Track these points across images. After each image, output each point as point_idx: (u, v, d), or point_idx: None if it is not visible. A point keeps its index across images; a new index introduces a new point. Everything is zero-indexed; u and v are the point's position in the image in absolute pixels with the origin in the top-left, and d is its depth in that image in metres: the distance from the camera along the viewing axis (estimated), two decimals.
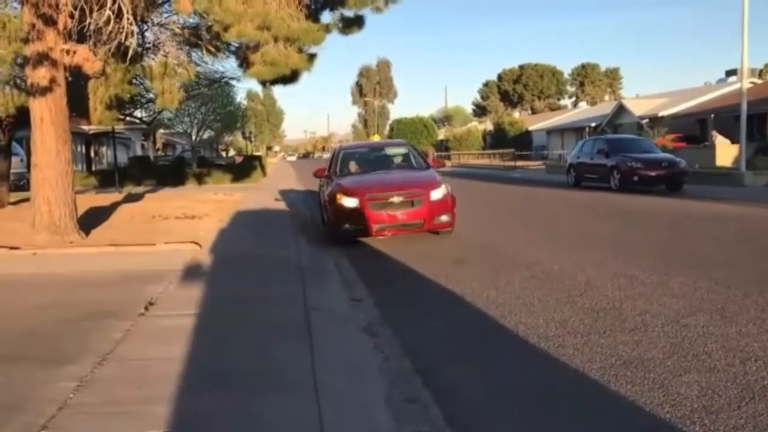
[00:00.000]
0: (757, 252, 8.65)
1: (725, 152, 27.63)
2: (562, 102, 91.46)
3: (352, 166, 12.18)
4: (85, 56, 10.59)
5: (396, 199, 10.16)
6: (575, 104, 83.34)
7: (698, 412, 3.74)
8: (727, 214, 13.39)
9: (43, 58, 10.44)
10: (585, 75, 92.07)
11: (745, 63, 22.07)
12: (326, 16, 13.16)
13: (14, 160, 19.30)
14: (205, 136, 58.26)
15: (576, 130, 50.76)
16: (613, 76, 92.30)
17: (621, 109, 44.64)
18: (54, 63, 10.58)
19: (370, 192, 10.28)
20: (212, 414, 3.86)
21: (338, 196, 10.39)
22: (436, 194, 10.45)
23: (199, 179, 32.65)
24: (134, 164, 36.62)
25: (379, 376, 4.60)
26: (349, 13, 12.86)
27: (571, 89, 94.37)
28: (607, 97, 79.07)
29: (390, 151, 13.29)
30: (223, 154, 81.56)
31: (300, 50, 12.08)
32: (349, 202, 10.20)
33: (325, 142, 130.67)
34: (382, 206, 10.13)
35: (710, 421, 3.63)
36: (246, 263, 8.85)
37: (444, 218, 10.47)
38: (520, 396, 4.18)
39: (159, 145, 62.85)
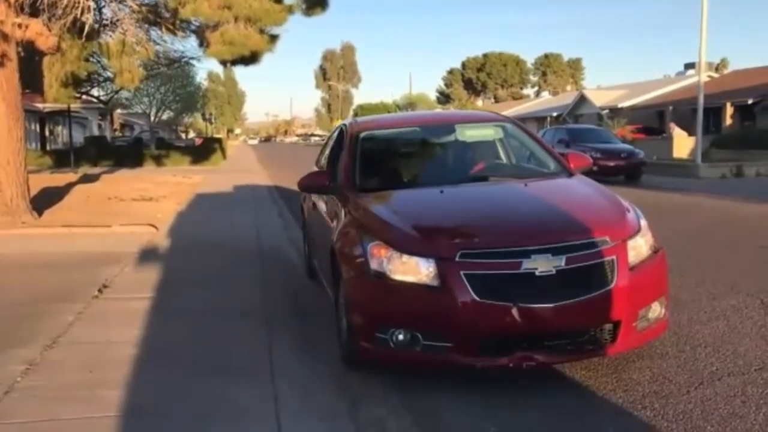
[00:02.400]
0: (712, 242, 8.86)
1: (682, 144, 28.19)
2: (525, 91, 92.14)
3: (391, 169, 5.66)
4: (38, 31, 10.28)
5: (543, 265, 3.83)
6: (538, 94, 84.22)
7: (649, 397, 3.81)
8: (683, 204, 13.68)
9: None
10: (548, 65, 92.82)
11: (703, 57, 22.47)
12: None
13: None
14: (165, 117, 57.43)
15: (538, 119, 51.23)
16: (575, 67, 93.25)
17: (582, 100, 45.20)
18: (5, 37, 10.24)
19: (469, 240, 4.09)
20: (164, 397, 3.80)
21: (375, 250, 4.10)
22: (638, 248, 4.20)
23: (158, 161, 32.08)
24: (90, 144, 35.78)
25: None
26: None
27: (534, 79, 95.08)
28: (569, 88, 79.96)
29: (470, 132, 6.14)
30: (183, 135, 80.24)
31: (261, 31, 11.90)
32: (412, 269, 3.97)
33: (288, 126, 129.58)
34: (503, 285, 3.83)
35: (660, 405, 3.70)
36: (203, 247, 8.72)
37: (657, 310, 4.23)
38: None
39: (116, 125, 61.55)
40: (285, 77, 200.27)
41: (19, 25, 10.34)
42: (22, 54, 11.40)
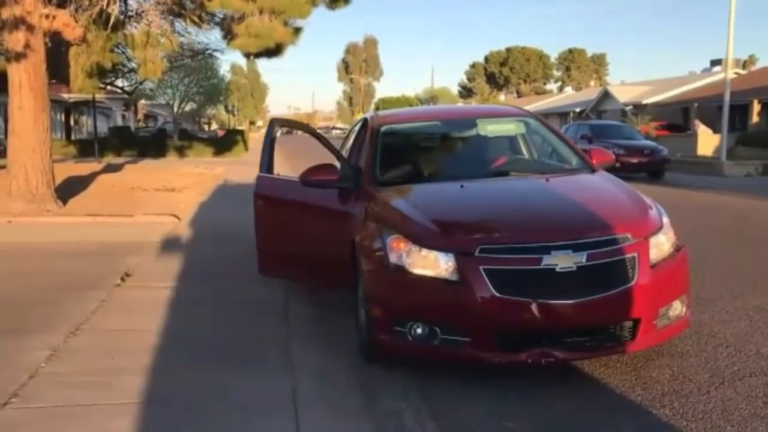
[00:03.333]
0: (735, 240, 8.75)
1: (707, 141, 27.84)
2: (548, 86, 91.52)
3: (412, 163, 5.56)
4: (65, 22, 10.41)
5: (563, 261, 3.82)
6: (561, 89, 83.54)
7: (669, 396, 3.79)
8: (707, 202, 13.52)
9: (20, 23, 10.22)
10: (572, 60, 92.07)
11: (731, 53, 22.17)
12: None
13: None
14: (188, 108, 57.84)
15: (561, 115, 50.86)
16: (599, 62, 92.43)
17: (606, 96, 44.79)
18: (32, 28, 10.36)
19: (489, 235, 4.08)
20: (183, 385, 3.84)
21: (395, 244, 4.10)
22: (659, 246, 4.16)
23: (181, 152, 32.33)
24: (114, 134, 36.21)
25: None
26: None
27: (557, 74, 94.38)
28: (592, 83, 79.25)
29: (491, 127, 6.05)
30: (206, 127, 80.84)
31: (285, 23, 11.94)
32: (431, 263, 3.96)
33: (309, 119, 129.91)
34: (522, 281, 3.83)
35: (680, 404, 3.68)
36: (225, 237, 8.78)
37: (677, 309, 4.19)
38: None
39: (140, 116, 62.09)
40: (307, 70, 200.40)
41: (47, 16, 10.49)
42: (49, 45, 11.54)
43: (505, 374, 4.07)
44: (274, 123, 6.07)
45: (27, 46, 10.31)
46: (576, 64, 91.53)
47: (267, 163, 5.81)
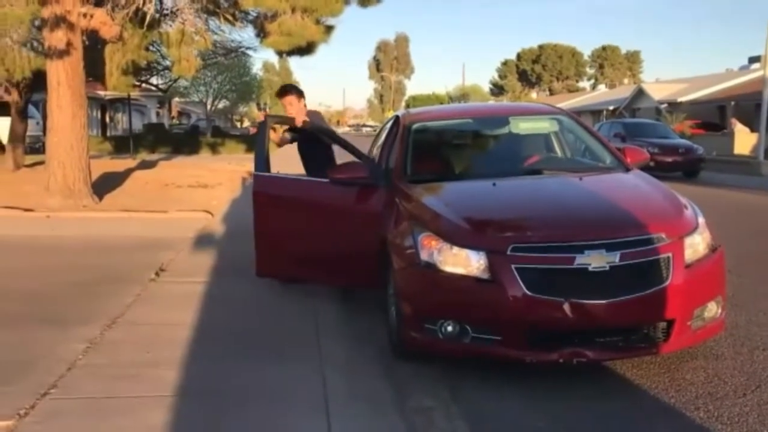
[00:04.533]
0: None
1: (744, 140, 27.29)
2: (581, 84, 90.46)
3: (443, 161, 5.74)
4: (102, 20, 10.59)
5: (596, 261, 3.79)
6: (594, 87, 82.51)
7: (703, 398, 3.74)
8: (743, 202, 13.28)
9: (60, 21, 10.42)
10: (605, 57, 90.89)
11: None
12: None
13: (30, 122, 19.34)
14: (220, 105, 58.28)
15: (593, 112, 50.28)
16: (633, 60, 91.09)
17: (640, 93, 44.14)
18: (71, 26, 10.56)
19: (521, 233, 4.07)
20: (216, 378, 3.90)
21: (426, 242, 4.11)
22: (694, 246, 4.10)
23: (213, 149, 32.67)
24: (149, 131, 36.75)
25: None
26: None
27: (590, 71, 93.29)
28: (626, 81, 78.22)
29: (524, 125, 5.98)
30: (238, 124, 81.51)
31: (317, 21, 11.99)
32: (463, 261, 3.96)
33: (340, 116, 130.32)
34: (555, 280, 3.82)
35: (715, 407, 3.63)
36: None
37: (713, 310, 4.12)
38: None
39: (174, 113, 62.91)
40: (338, 67, 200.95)
41: (85, 15, 10.68)
42: (86, 43, 11.75)
43: (536, 373, 4.06)
44: (267, 121, 5.99)
45: (66, 44, 10.52)
46: (610, 61, 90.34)
47: (263, 161, 5.55)
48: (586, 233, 3.93)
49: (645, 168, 5.47)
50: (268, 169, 5.57)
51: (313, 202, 5.44)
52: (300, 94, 6.45)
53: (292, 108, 6.36)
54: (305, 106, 6.62)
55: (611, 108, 47.42)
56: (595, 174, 5.13)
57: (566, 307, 3.71)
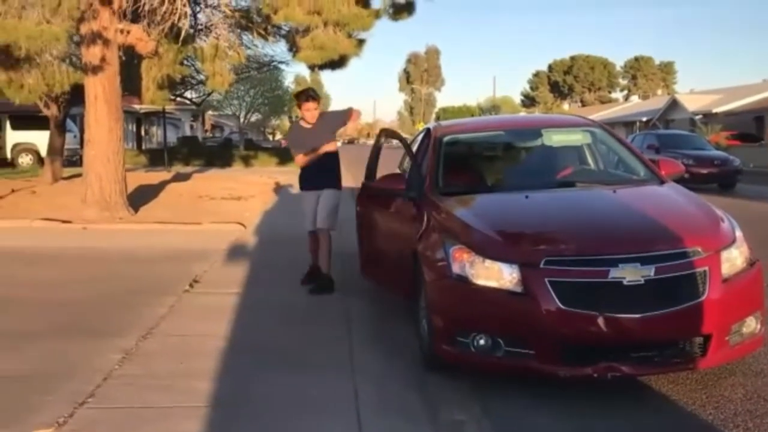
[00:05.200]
0: None
1: None
2: (614, 95, 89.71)
3: (475, 173, 5.73)
4: (138, 36, 10.81)
5: (631, 275, 3.73)
6: (626, 98, 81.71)
7: (742, 416, 3.66)
8: None
9: (97, 37, 10.67)
10: (638, 68, 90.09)
11: None
12: (377, 2, 13.11)
13: (68, 136, 19.79)
14: (253, 119, 58.98)
15: (626, 124, 49.78)
16: (667, 70, 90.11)
17: (674, 104, 43.61)
18: (108, 42, 10.80)
19: (554, 246, 4.05)
20: (249, 390, 3.93)
21: (458, 254, 4.08)
22: (732, 260, 4.03)
23: (246, 161, 32.98)
24: (183, 144, 37.32)
25: None
26: None
27: (623, 82, 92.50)
28: (660, 92, 77.35)
29: (556, 137, 5.93)
30: (270, 137, 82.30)
31: (349, 35, 12.07)
32: (495, 274, 3.93)
33: (370, 128, 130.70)
34: (589, 293, 3.76)
35: (754, 425, 3.55)
36: (288, 245, 8.92)
37: (752, 325, 4.02)
38: None
39: (207, 126, 63.75)
40: (369, 80, 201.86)
41: (121, 31, 10.92)
42: (123, 58, 12.00)
43: (569, 388, 4.01)
44: (382, 134, 6.74)
45: (103, 59, 10.75)
46: (643, 72, 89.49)
47: (371, 171, 6.37)
48: (620, 246, 3.88)
49: (680, 180, 5.40)
50: (372, 178, 6.25)
51: (385, 211, 5.87)
52: (319, 100, 6.55)
53: (310, 114, 6.37)
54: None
55: (644, 119, 46.93)
56: (629, 186, 5.09)
57: (600, 321, 3.67)
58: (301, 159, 6.49)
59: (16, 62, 12.21)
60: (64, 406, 3.63)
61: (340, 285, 6.35)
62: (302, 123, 6.55)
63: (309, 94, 6.43)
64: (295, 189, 17.77)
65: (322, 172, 6.45)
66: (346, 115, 6.61)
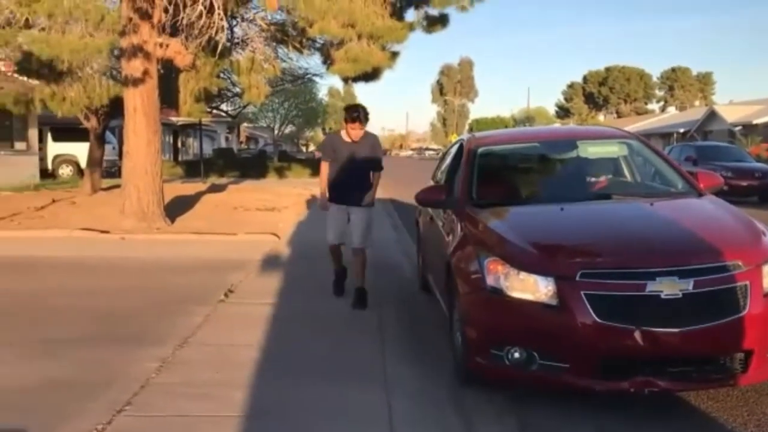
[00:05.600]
0: None
1: None
2: (650, 106, 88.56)
3: (510, 185, 5.64)
4: (177, 50, 11.02)
5: (668, 288, 3.67)
6: (663, 109, 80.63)
7: None
8: None
9: (137, 51, 10.91)
10: (675, 79, 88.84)
11: None
12: (410, 14, 13.18)
13: (107, 147, 20.22)
14: (287, 130, 59.63)
15: (663, 135, 49.10)
16: (705, 81, 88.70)
17: (712, 116, 42.89)
18: (147, 55, 11.04)
19: (590, 259, 4.01)
20: (283, 400, 3.95)
21: (492, 266, 4.04)
22: None
23: (280, 173, 33.27)
24: (218, 156, 37.77)
25: None
26: (433, 11, 12.83)
27: (659, 93, 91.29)
28: (697, 103, 76.10)
29: (592, 149, 5.86)
30: (304, 149, 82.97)
31: (383, 48, 12.15)
32: (530, 286, 3.89)
33: (403, 140, 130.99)
34: (625, 307, 3.70)
35: None
36: (321, 256, 8.95)
37: None
38: None
39: (242, 138, 64.52)
40: (401, 91, 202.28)
41: (161, 45, 11.15)
42: (161, 71, 12.24)
43: (605, 402, 3.95)
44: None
45: (143, 72, 10.98)
46: (680, 83, 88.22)
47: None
48: (657, 260, 3.81)
49: (719, 193, 5.30)
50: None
51: (430, 222, 6.17)
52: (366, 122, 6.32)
53: (355, 133, 6.18)
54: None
55: (681, 131, 46.22)
56: (667, 199, 5.03)
57: (637, 335, 3.60)
58: (325, 168, 6.40)
59: (59, 76, 12.58)
60: (102, 413, 3.69)
61: (374, 296, 6.35)
62: (343, 135, 6.31)
63: (359, 117, 6.14)
64: None
65: (354, 188, 6.27)
66: (379, 162, 6.45)
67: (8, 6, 9.03)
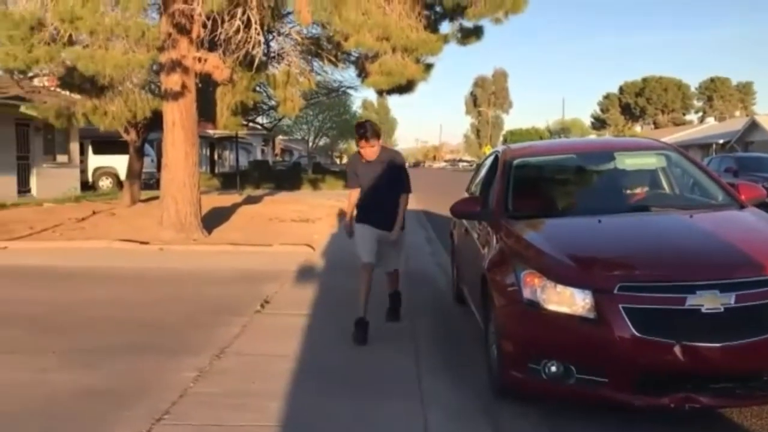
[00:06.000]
0: None
1: None
2: (688, 117, 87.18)
3: (546, 197, 5.62)
4: (215, 64, 11.20)
5: (709, 302, 3.59)
6: (702, 120, 79.29)
7: None
8: None
9: (176, 65, 11.12)
10: (714, 89, 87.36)
11: None
12: (445, 27, 13.19)
13: (146, 160, 20.60)
14: (321, 143, 60.07)
15: (702, 146, 48.25)
16: (745, 91, 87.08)
17: (753, 126, 42.02)
18: (186, 70, 11.24)
19: (629, 272, 3.92)
20: (319, 412, 3.97)
21: (529, 279, 4.00)
22: None
23: (314, 185, 33.49)
24: (254, 168, 38.22)
25: None
26: (468, 23, 12.82)
27: (698, 104, 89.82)
28: (737, 113, 74.62)
29: (630, 160, 5.85)
30: (337, 160, 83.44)
31: (417, 60, 12.17)
32: (567, 300, 3.83)
33: (436, 151, 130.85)
34: (665, 321, 3.64)
35: None
36: (355, 267, 8.98)
37: None
38: None
39: (277, 150, 65.20)
40: (435, 103, 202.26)
41: (199, 59, 11.34)
42: (199, 85, 12.45)
43: (643, 419, 3.88)
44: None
45: (181, 87, 11.19)
46: (719, 93, 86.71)
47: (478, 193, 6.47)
48: (697, 273, 3.73)
49: (761, 205, 5.19)
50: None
51: (465, 234, 6.15)
52: (377, 138, 5.77)
53: (365, 152, 5.72)
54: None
55: (721, 142, 45.35)
56: (707, 211, 4.95)
57: (677, 349, 3.52)
58: (353, 196, 5.94)
59: (101, 90, 12.87)
60: (141, 422, 3.75)
61: (409, 308, 6.34)
62: (362, 155, 5.81)
63: (365, 133, 5.66)
64: None
65: (380, 212, 5.73)
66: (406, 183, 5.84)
67: (53, 22, 9.27)
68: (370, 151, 5.68)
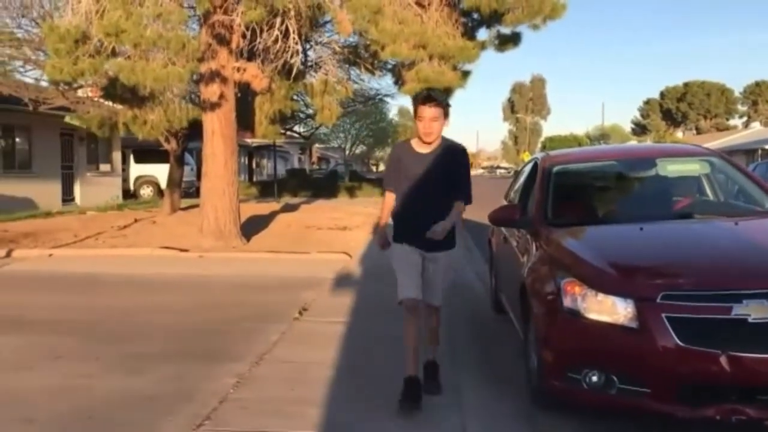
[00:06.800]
0: None
1: None
2: (732, 122, 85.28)
3: (586, 204, 5.49)
4: (254, 74, 11.35)
5: (758, 311, 3.49)
6: (746, 125, 77.49)
7: None
8: None
9: (215, 76, 11.30)
10: (759, 93, 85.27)
11: None
12: (482, 33, 13.18)
13: (186, 169, 20.94)
14: (358, 151, 60.29)
15: (747, 152, 47.16)
16: None
17: None
18: (225, 80, 11.41)
19: (672, 280, 3.82)
20: (357, 420, 3.98)
21: (569, 287, 3.92)
22: None
23: (351, 192, 33.60)
24: (291, 176, 38.57)
25: None
26: (505, 30, 12.79)
27: (742, 108, 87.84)
28: None
29: (672, 167, 5.71)
30: (374, 168, 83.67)
31: (454, 68, 12.16)
32: (608, 308, 3.74)
33: (473, 158, 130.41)
34: (710, 330, 3.53)
35: None
36: (392, 275, 8.98)
37: None
38: None
39: (314, 158, 65.68)
40: (472, 110, 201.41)
41: (238, 69, 11.51)
42: (238, 95, 12.62)
43: (688, 428, 3.79)
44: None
45: (220, 96, 11.37)
46: (764, 97, 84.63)
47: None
48: (744, 281, 3.63)
49: None
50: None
51: (504, 242, 6.16)
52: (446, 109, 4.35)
53: (428, 126, 4.25)
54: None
55: (767, 147, 44.29)
56: (753, 218, 4.85)
57: (723, 360, 3.42)
58: (389, 200, 4.61)
59: (141, 101, 13.14)
60: (182, 427, 3.80)
61: (447, 317, 6.30)
62: (414, 145, 4.40)
63: (427, 96, 4.26)
64: None
65: (428, 221, 4.27)
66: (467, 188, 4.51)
67: (97, 36, 9.50)
68: (430, 126, 4.22)
